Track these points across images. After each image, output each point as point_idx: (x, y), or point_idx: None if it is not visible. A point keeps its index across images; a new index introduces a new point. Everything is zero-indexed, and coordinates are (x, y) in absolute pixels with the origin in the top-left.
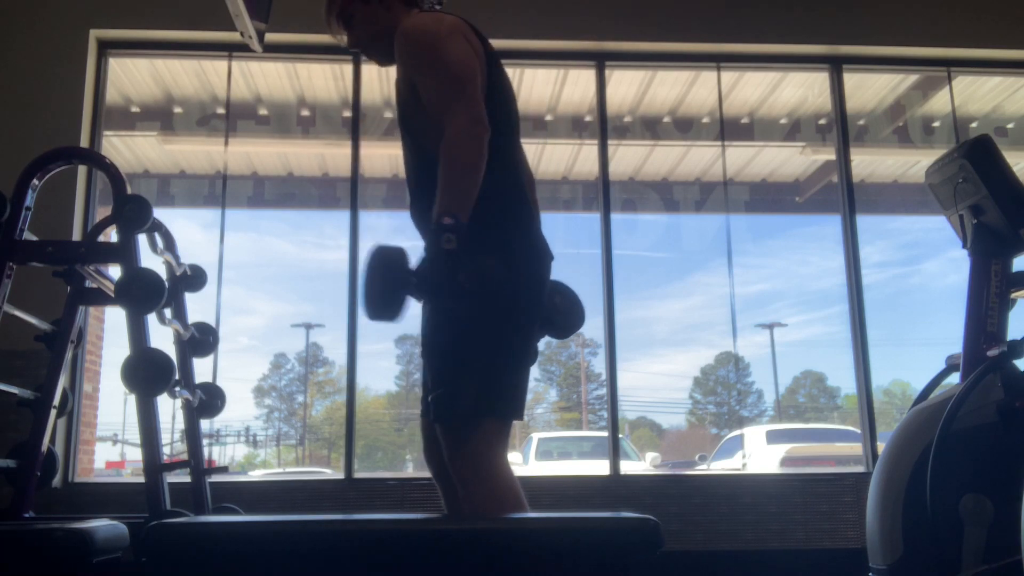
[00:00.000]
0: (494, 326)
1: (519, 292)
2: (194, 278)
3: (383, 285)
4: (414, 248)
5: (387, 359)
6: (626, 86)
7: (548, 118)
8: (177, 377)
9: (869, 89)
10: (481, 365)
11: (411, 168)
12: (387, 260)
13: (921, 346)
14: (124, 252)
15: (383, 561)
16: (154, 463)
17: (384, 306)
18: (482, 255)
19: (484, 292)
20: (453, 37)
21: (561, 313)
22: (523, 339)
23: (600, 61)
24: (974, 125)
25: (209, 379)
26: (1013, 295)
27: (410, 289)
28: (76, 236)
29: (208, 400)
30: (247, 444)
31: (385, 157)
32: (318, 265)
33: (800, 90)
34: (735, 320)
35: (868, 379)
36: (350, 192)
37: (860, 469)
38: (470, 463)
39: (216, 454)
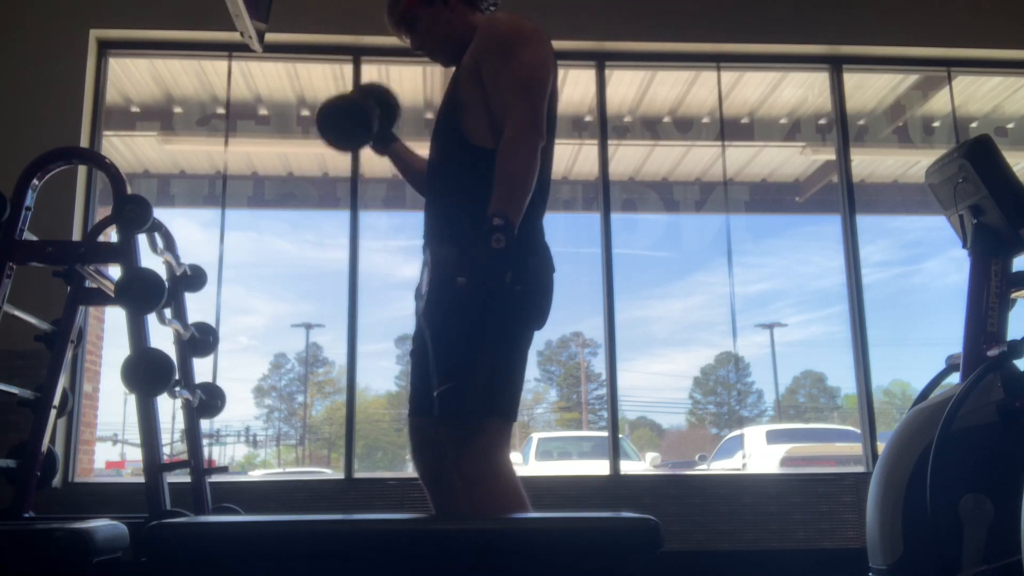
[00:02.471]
0: (506, 325)
1: (533, 296)
2: (194, 278)
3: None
4: (415, 247)
5: (387, 359)
6: (626, 86)
7: None
8: (177, 377)
9: (869, 89)
10: (491, 363)
11: (441, 147)
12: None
13: (921, 346)
14: (124, 252)
15: (383, 561)
16: (154, 463)
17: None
18: (527, 255)
19: (525, 291)
20: (538, 41)
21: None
22: (529, 341)
23: (600, 61)
24: (974, 125)
25: (209, 379)
26: (1013, 295)
27: (461, 290)
28: (76, 236)
29: (208, 400)
30: (247, 444)
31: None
32: (318, 265)
33: (800, 90)
34: (735, 320)
35: (868, 379)
36: (350, 192)
37: (860, 469)
38: (475, 462)
39: (216, 454)
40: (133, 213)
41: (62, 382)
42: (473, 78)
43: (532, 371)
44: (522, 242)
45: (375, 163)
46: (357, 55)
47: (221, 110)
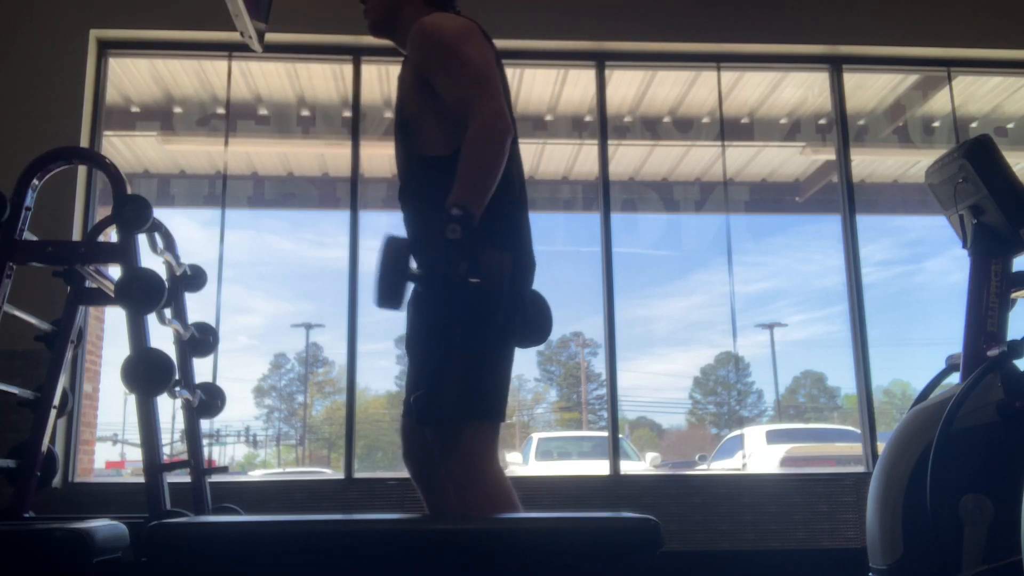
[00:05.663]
0: (478, 328)
1: (505, 295)
2: (194, 278)
3: (391, 275)
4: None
5: (387, 359)
6: (626, 86)
7: (548, 118)
8: (177, 377)
9: (869, 89)
10: (464, 366)
11: (402, 165)
12: (396, 251)
13: (921, 346)
14: (124, 252)
15: (383, 561)
16: (154, 463)
17: (390, 295)
18: (488, 249)
19: (483, 286)
20: (473, 37)
21: (530, 323)
22: (505, 341)
23: (600, 61)
24: (974, 125)
25: (209, 379)
26: (1013, 295)
27: (413, 278)
28: (76, 236)
29: (208, 400)
30: (247, 444)
31: (385, 157)
32: (318, 264)
33: (800, 90)
34: (735, 320)
35: (868, 379)
36: (350, 192)
37: (860, 469)
38: (460, 464)
39: (216, 454)
40: (133, 213)
41: (62, 382)
42: (418, 90)
43: (532, 371)
44: (494, 235)
45: (375, 163)
46: (357, 55)
47: (221, 110)
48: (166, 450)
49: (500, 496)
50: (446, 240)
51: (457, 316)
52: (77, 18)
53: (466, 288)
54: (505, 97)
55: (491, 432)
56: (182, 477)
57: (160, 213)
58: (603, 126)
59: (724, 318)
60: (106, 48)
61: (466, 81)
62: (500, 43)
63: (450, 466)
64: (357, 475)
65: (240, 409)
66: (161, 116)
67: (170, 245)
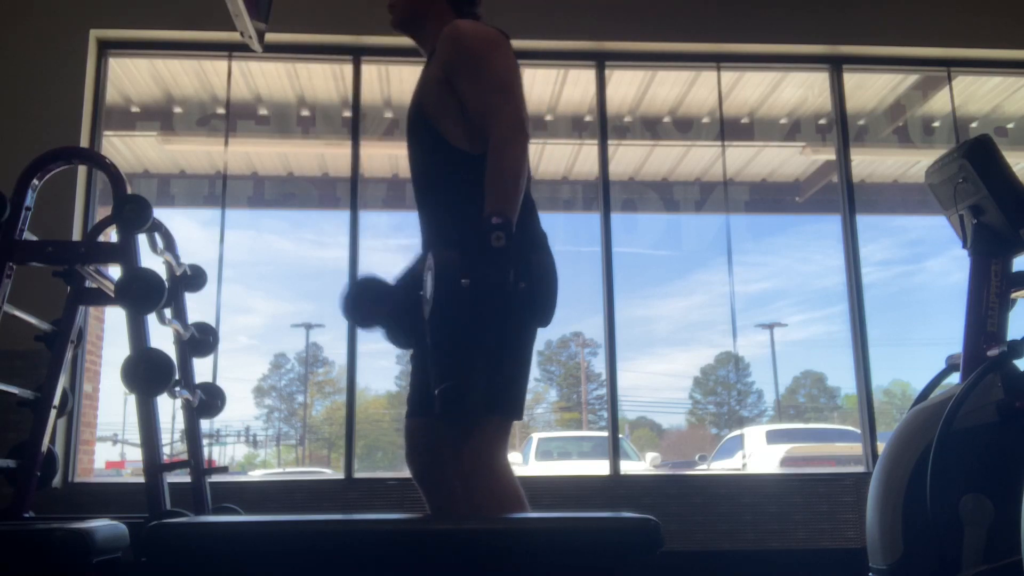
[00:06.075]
0: (508, 323)
1: (538, 292)
2: (194, 278)
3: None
4: (414, 247)
5: (387, 359)
6: (626, 86)
7: (548, 118)
8: (177, 377)
9: (869, 89)
10: (492, 361)
11: (418, 161)
12: (454, 266)
13: (921, 346)
14: (124, 252)
15: (382, 561)
16: (154, 463)
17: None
18: (529, 251)
19: (531, 289)
20: (503, 47)
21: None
22: (532, 338)
23: (600, 61)
24: (974, 125)
25: (209, 379)
26: (1013, 295)
27: (466, 292)
28: (76, 236)
29: (208, 400)
30: (247, 444)
31: (385, 157)
32: (318, 264)
33: (800, 90)
34: (735, 320)
35: (868, 379)
36: (350, 192)
37: (860, 469)
38: (472, 460)
39: (216, 454)
40: (133, 213)
41: (62, 382)
42: (442, 89)
43: (532, 371)
44: (523, 239)
45: (375, 163)
46: (357, 55)
47: (221, 110)
48: (166, 450)
49: (508, 494)
50: (492, 248)
51: (493, 313)
52: (77, 18)
53: (517, 293)
54: None
55: (505, 429)
56: (182, 477)
57: (160, 213)
58: (603, 126)
59: (724, 318)
60: (106, 48)
61: (490, 89)
62: None
63: (461, 461)
64: (357, 475)
65: (240, 409)
66: (161, 116)
67: (170, 245)
